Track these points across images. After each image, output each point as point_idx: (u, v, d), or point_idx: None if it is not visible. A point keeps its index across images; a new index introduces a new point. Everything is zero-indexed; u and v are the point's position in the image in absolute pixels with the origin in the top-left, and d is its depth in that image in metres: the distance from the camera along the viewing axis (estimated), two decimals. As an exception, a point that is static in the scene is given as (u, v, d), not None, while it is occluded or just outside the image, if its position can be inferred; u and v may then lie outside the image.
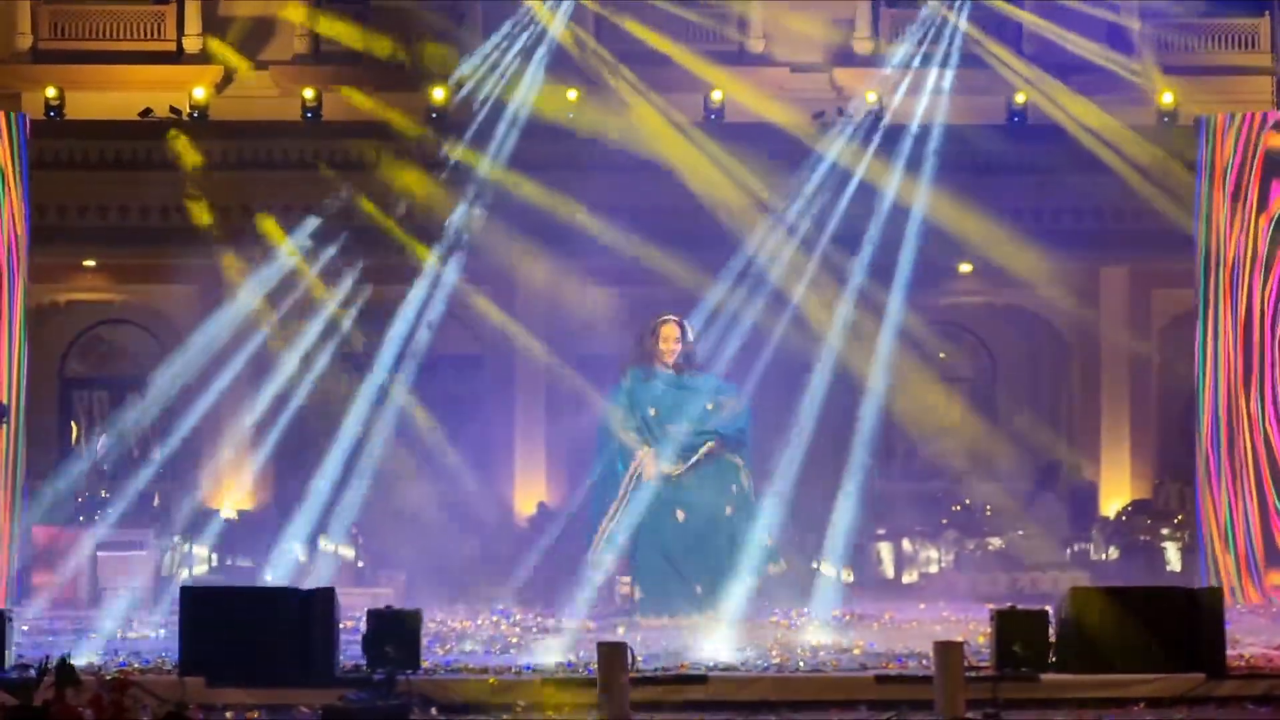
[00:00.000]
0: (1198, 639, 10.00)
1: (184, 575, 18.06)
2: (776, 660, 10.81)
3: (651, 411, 14.20)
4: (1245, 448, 16.12)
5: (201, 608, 9.89)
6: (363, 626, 10.06)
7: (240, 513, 20.35)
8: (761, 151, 18.55)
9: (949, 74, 19.54)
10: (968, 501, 19.60)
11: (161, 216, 20.34)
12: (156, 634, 12.49)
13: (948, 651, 9.34)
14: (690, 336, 14.48)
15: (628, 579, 14.43)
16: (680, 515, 14.07)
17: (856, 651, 11.40)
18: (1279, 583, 16.08)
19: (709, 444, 14.11)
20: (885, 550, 18.69)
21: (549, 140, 19.02)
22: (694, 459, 14.09)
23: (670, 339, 14.29)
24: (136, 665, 10.25)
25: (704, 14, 22.03)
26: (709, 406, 14.19)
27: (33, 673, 8.18)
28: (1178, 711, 9.39)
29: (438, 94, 20.27)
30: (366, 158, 19.93)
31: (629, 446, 14.23)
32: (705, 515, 14.06)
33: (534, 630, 13.26)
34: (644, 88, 19.89)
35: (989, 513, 19.21)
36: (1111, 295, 21.61)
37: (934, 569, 18.73)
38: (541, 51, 19.18)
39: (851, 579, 18.00)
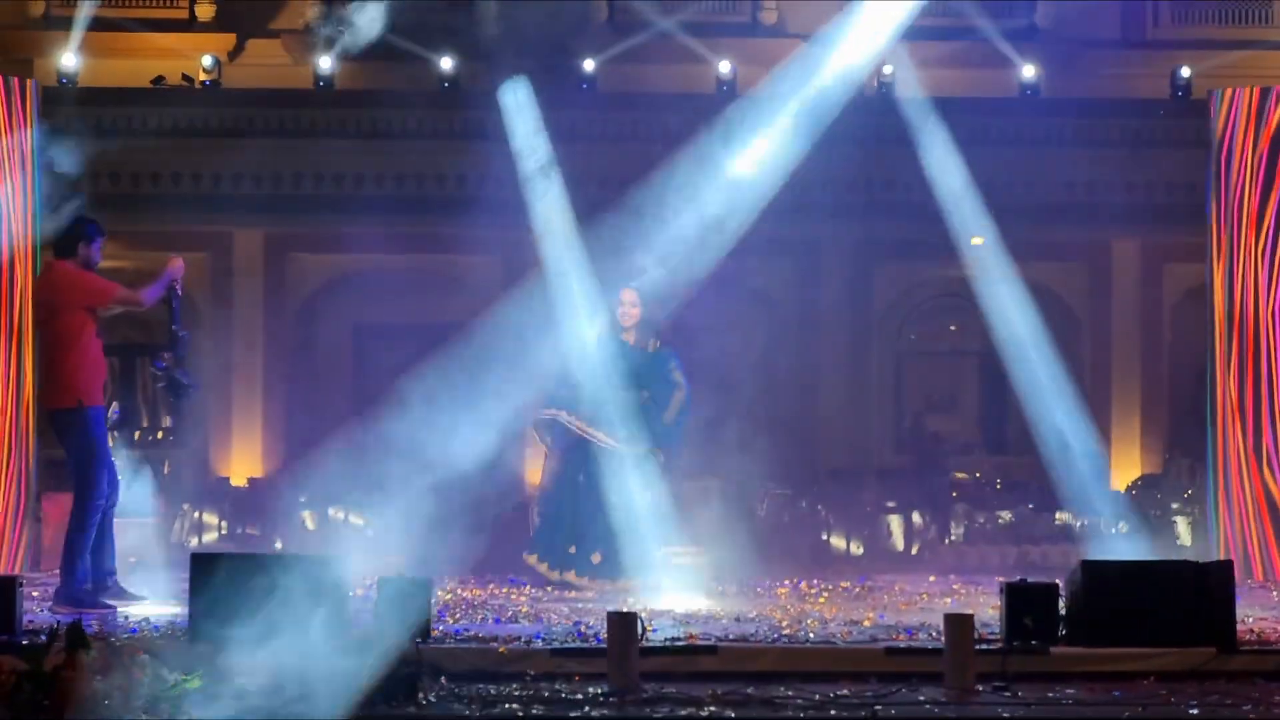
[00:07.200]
0: (1208, 613, 9.99)
1: (194, 543, 18.11)
2: (786, 632, 10.81)
3: (603, 380, 13.95)
4: (1257, 423, 16.11)
5: (212, 575, 9.89)
6: (373, 594, 10.07)
7: (251, 480, 20.39)
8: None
9: (960, 46, 19.50)
10: (979, 474, 19.59)
11: (173, 183, 20.36)
12: (165, 604, 12.47)
13: (958, 624, 9.34)
14: (645, 305, 14.10)
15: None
16: (581, 479, 13.95)
17: (866, 624, 11.40)
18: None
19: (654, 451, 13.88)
20: (895, 523, 18.69)
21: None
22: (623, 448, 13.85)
23: (624, 303, 14.08)
24: (148, 631, 10.27)
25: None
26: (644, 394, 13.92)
27: (43, 638, 8.18)
28: (1188, 686, 9.38)
29: (446, 64, 20.26)
30: (379, 126, 19.93)
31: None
32: (609, 486, 13.82)
33: (544, 599, 13.26)
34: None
35: (999, 486, 19.21)
36: (1123, 269, 21.58)
37: (944, 542, 18.72)
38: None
39: (861, 551, 18.05)
